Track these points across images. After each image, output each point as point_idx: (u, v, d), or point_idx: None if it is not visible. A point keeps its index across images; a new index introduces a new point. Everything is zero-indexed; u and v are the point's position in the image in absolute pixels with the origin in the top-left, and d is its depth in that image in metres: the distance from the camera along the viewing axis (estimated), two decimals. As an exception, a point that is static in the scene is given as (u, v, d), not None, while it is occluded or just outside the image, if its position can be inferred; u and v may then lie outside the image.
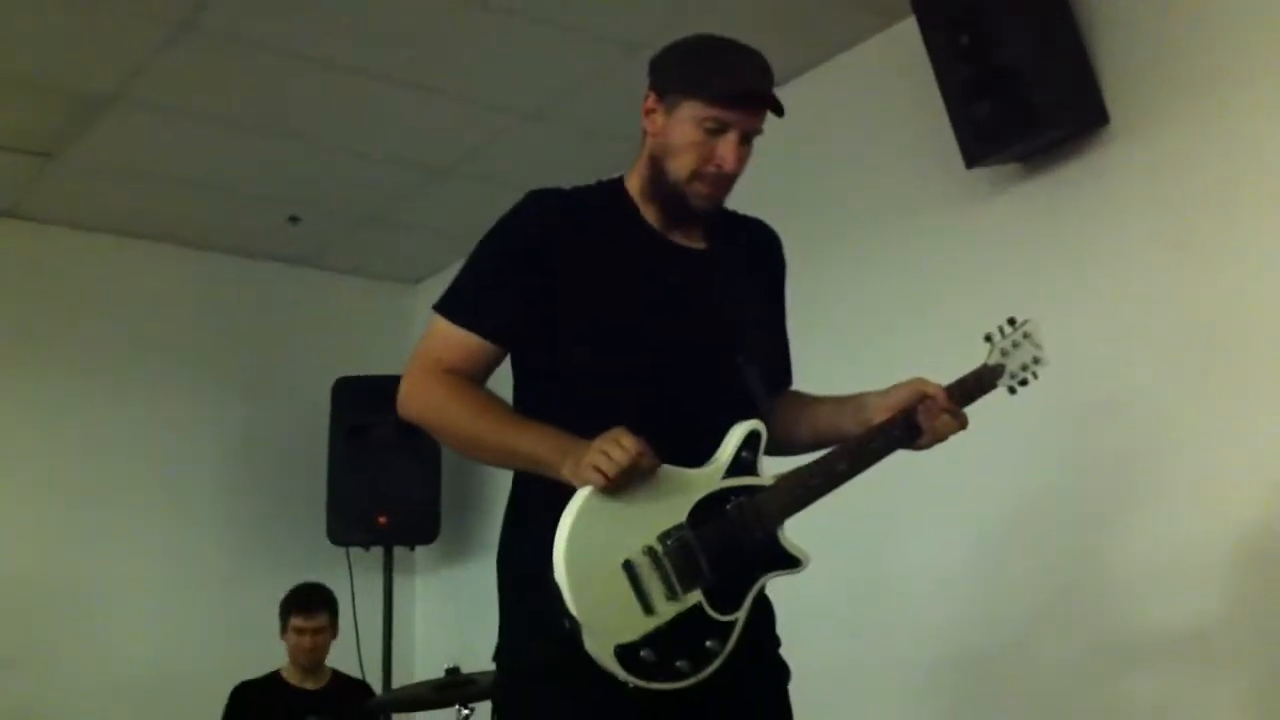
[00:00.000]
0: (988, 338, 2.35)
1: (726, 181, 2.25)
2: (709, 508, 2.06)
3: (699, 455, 2.10)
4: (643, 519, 2.01)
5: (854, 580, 3.86)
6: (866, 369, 4.07)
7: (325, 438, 5.45)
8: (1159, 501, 3.39)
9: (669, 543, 2.01)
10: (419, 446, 5.38)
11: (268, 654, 4.72)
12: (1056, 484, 3.61)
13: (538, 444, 2.07)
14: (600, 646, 1.94)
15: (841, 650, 3.90)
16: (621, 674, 1.95)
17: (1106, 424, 3.54)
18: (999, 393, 2.36)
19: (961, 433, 2.28)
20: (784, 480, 2.12)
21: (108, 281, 5.58)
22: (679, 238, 2.30)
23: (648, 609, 1.98)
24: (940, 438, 2.26)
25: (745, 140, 2.23)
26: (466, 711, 3.58)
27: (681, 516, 2.03)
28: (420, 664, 5.58)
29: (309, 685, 4.68)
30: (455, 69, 4.45)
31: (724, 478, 2.09)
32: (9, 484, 5.16)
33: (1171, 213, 3.47)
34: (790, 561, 2.10)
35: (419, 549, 5.61)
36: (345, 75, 4.45)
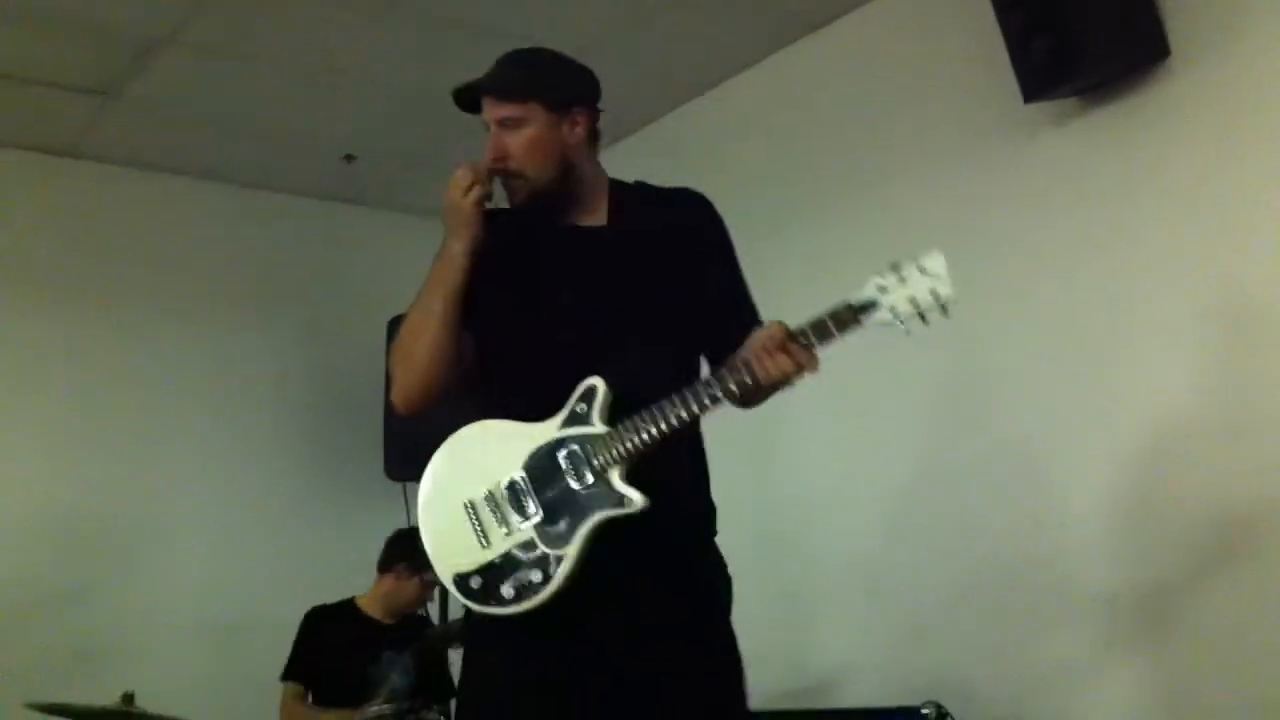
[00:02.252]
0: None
1: (499, 172, 2.45)
2: (546, 456, 2.29)
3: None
4: (486, 466, 2.33)
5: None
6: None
7: (381, 375, 5.49)
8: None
9: (503, 485, 2.30)
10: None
11: (328, 588, 4.79)
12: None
13: (432, 272, 2.48)
14: (442, 573, 2.32)
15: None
16: (460, 598, 2.30)
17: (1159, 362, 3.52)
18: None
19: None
20: (617, 429, 2.25)
21: (164, 221, 5.63)
22: (576, 219, 2.50)
23: (484, 543, 2.29)
24: (771, 379, 2.19)
25: (501, 129, 2.46)
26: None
27: (519, 464, 2.30)
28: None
29: (385, 619, 4.66)
30: (507, 5, 4.43)
31: (559, 429, 2.29)
32: (69, 423, 5.24)
33: (1233, 146, 3.42)
34: (619, 501, 2.23)
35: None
36: (399, 14, 4.46)
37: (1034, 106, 3.74)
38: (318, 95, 5.03)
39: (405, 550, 4.59)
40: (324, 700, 4.57)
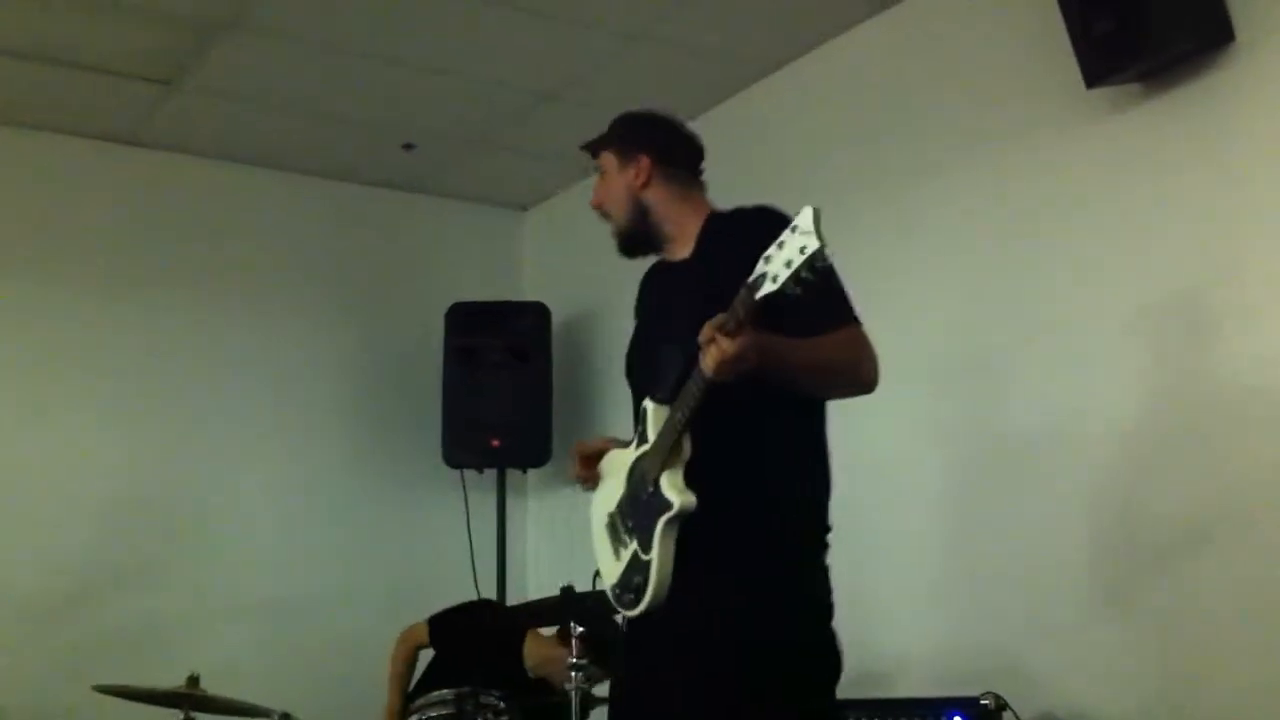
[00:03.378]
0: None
1: (598, 211, 2.83)
2: (631, 477, 2.54)
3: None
4: (610, 490, 2.62)
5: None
6: (986, 294, 4.08)
7: (439, 362, 5.55)
8: None
9: (616, 506, 2.58)
10: (530, 370, 5.47)
11: (388, 572, 4.84)
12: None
13: None
14: (608, 591, 2.58)
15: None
16: (616, 606, 2.56)
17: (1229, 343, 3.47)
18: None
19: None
20: (658, 439, 2.46)
21: (225, 208, 5.69)
22: (673, 255, 2.76)
23: (616, 558, 2.55)
24: (710, 370, 2.26)
25: (598, 178, 2.85)
26: (580, 629, 3.62)
27: (623, 486, 2.56)
28: (533, 583, 5.69)
29: (533, 673, 4.31)
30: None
31: (635, 451, 2.54)
32: (133, 407, 5.32)
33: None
34: (667, 505, 2.39)
35: (531, 471, 5.69)
36: (457, 1, 4.47)
37: (1096, 92, 3.69)
38: (376, 83, 5.06)
39: (592, 635, 3.72)
40: (431, 671, 4.46)
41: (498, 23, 4.61)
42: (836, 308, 2.51)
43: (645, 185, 2.75)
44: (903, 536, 4.20)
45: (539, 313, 5.47)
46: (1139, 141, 3.71)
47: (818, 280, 2.09)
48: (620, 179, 2.77)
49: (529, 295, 5.32)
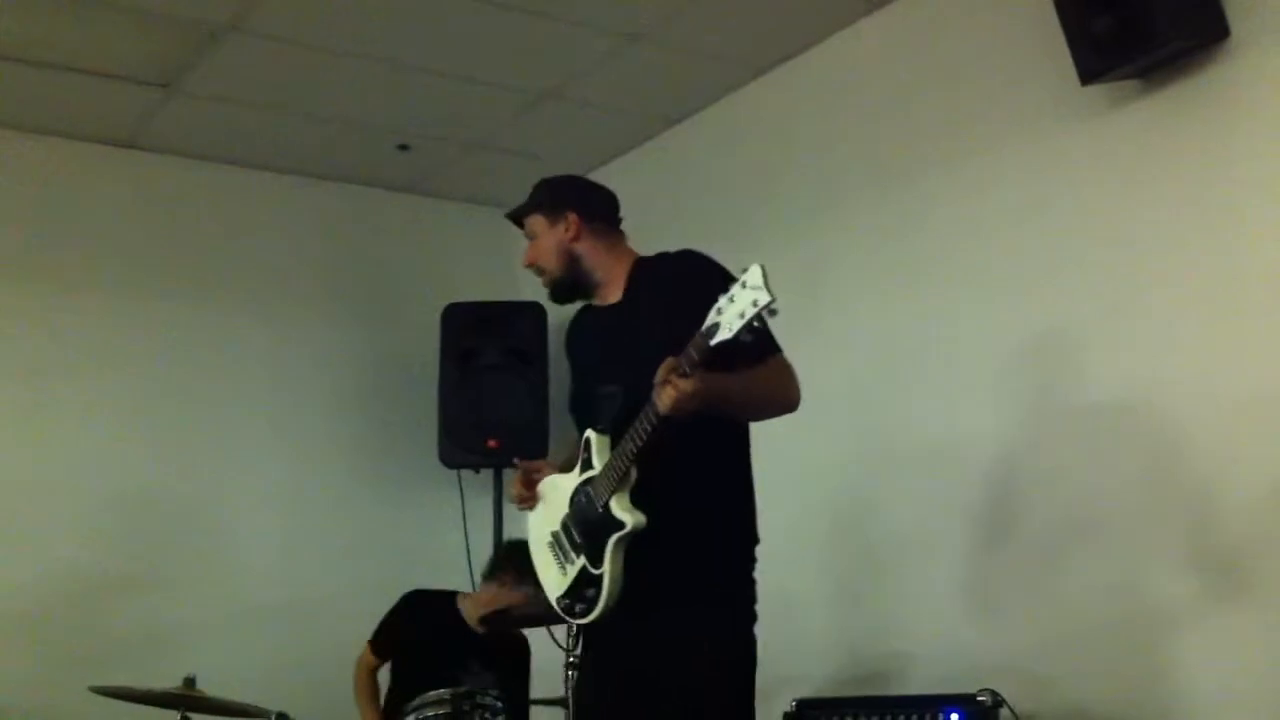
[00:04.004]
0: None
1: (531, 268, 3.10)
2: (576, 498, 2.80)
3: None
4: (553, 510, 2.89)
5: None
6: (981, 292, 4.09)
7: (436, 362, 5.55)
8: None
9: (560, 525, 2.85)
10: (527, 371, 5.47)
11: (384, 573, 4.84)
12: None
13: None
14: (551, 599, 2.87)
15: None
16: (564, 616, 2.84)
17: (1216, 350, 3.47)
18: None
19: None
20: (605, 467, 2.73)
21: (223, 210, 5.70)
22: (604, 300, 3.03)
23: (563, 572, 2.83)
24: (665, 408, 2.51)
25: (528, 241, 3.11)
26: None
27: (565, 508, 2.83)
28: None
29: (478, 628, 4.53)
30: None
31: (579, 475, 2.81)
32: (130, 408, 5.32)
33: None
34: (617, 524, 2.66)
35: (521, 460, 5.68)
36: (453, 2, 4.48)
37: (1091, 88, 3.69)
38: (373, 85, 5.07)
39: (513, 561, 4.40)
40: (398, 678, 4.56)
41: (493, 24, 4.61)
42: (765, 341, 2.67)
43: (576, 238, 3.01)
44: (916, 535, 4.20)
45: (536, 313, 5.47)
46: (1134, 137, 3.72)
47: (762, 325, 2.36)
48: (550, 236, 3.03)
49: (526, 296, 5.31)
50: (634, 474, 2.67)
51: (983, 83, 4.16)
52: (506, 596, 4.36)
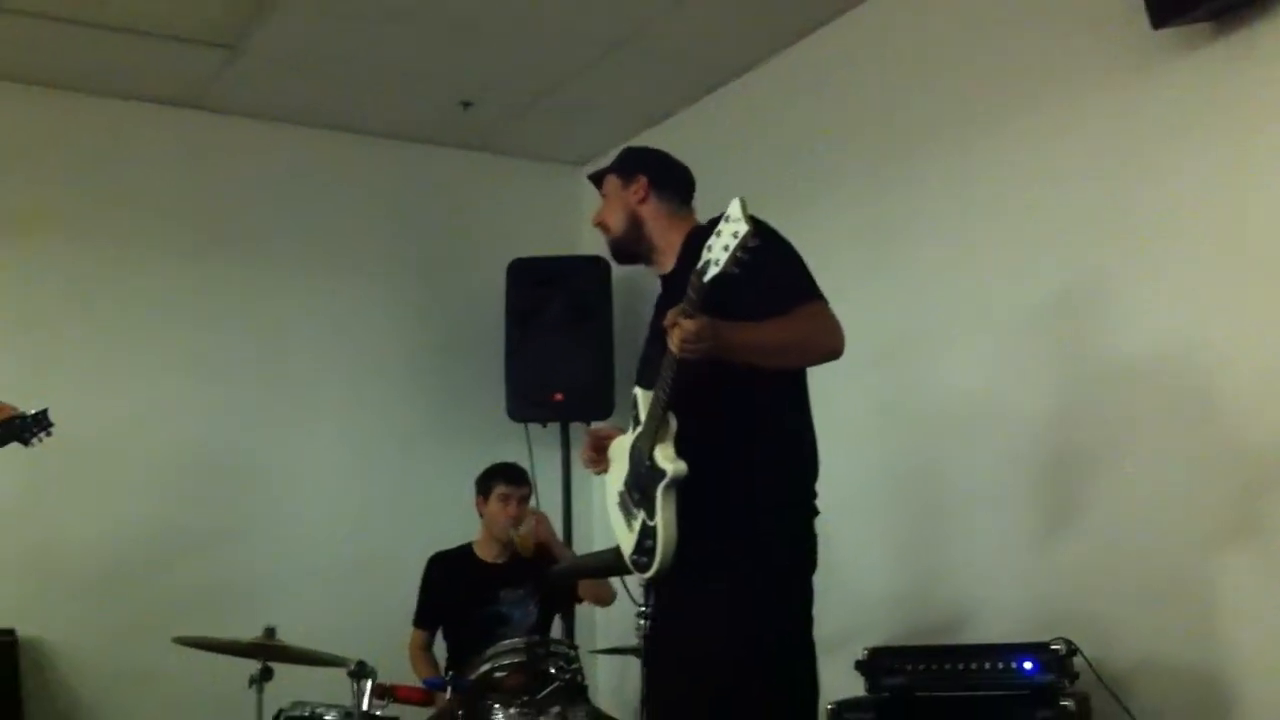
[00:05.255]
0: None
1: (598, 226, 3.21)
2: (630, 455, 2.88)
3: None
4: (617, 474, 2.96)
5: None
6: (1051, 238, 4.05)
7: (501, 318, 5.59)
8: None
9: (623, 485, 2.91)
10: (591, 326, 5.50)
11: (454, 530, 4.89)
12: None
13: None
14: (627, 560, 2.86)
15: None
16: (635, 572, 2.85)
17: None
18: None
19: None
20: (646, 420, 2.79)
21: (288, 170, 5.75)
22: (662, 268, 3.12)
23: (630, 529, 2.85)
24: (675, 348, 2.59)
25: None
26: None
27: (626, 466, 2.90)
28: (599, 533, 5.73)
29: (499, 559, 4.73)
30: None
31: (633, 433, 2.88)
32: (193, 367, 5.39)
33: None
34: (660, 475, 2.70)
35: (594, 424, 5.73)
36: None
37: (1164, 32, 3.63)
38: (435, 42, 5.07)
39: (486, 478, 4.76)
40: (453, 644, 4.68)
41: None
42: (794, 288, 2.79)
43: (642, 201, 3.11)
44: (983, 485, 4.20)
45: (599, 267, 5.48)
46: (1208, 82, 3.65)
47: (760, 259, 2.42)
48: (619, 197, 3.14)
49: (589, 250, 5.33)
50: (672, 423, 2.74)
51: (1053, 28, 4.10)
52: (489, 513, 4.71)
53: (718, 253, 2.44)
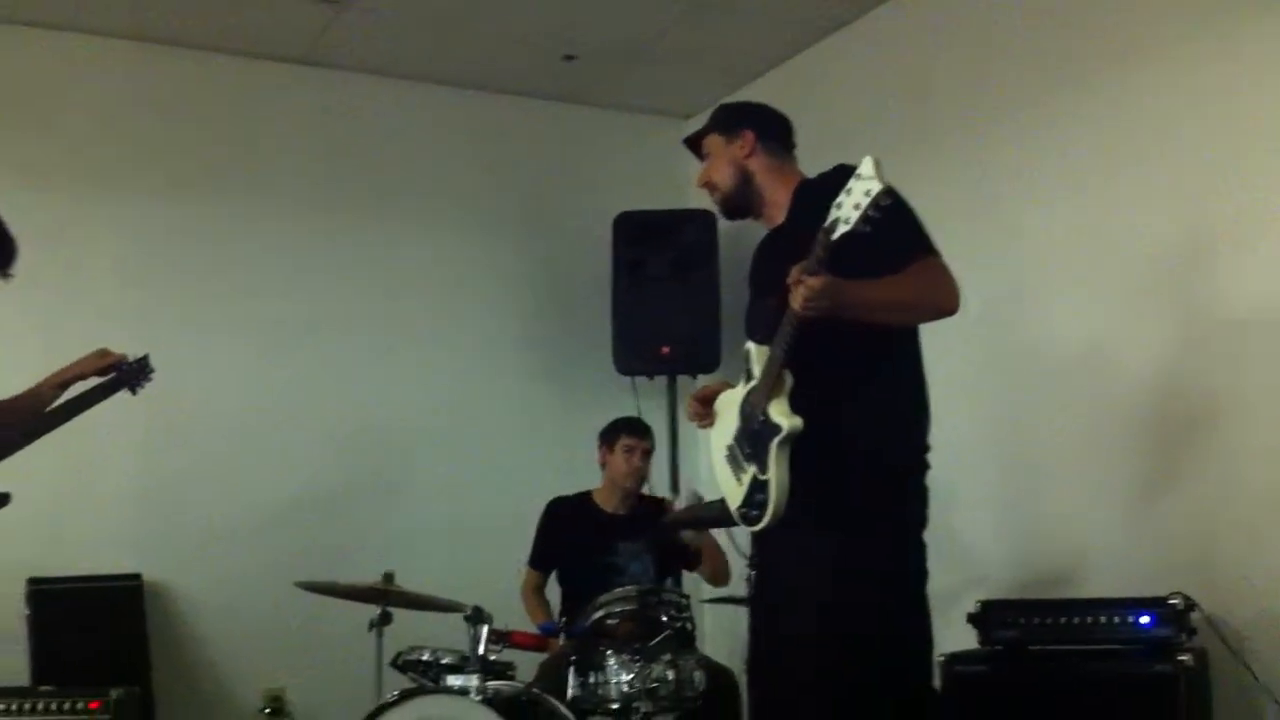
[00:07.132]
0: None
1: (704, 186, 3.19)
2: (742, 410, 2.87)
3: None
4: (725, 427, 2.96)
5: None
6: (1161, 193, 3.98)
7: (608, 271, 5.62)
8: None
9: (732, 439, 2.90)
10: (697, 278, 5.51)
11: (565, 482, 4.95)
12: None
13: None
14: (734, 512, 2.87)
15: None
16: (742, 524, 2.85)
17: None
18: None
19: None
20: (761, 374, 2.79)
21: (395, 124, 5.81)
22: (772, 221, 3.10)
23: (738, 482, 2.85)
24: (798, 306, 2.59)
25: (703, 161, 3.20)
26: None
27: (736, 421, 2.89)
28: (706, 486, 5.76)
29: (619, 510, 4.80)
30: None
31: (744, 387, 2.87)
32: (305, 324, 5.49)
33: None
34: (775, 429, 2.70)
35: (701, 377, 5.74)
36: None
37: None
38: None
39: (611, 431, 4.85)
40: (566, 589, 4.75)
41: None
42: (910, 244, 2.79)
43: (749, 155, 3.09)
44: (1094, 439, 4.15)
45: (705, 220, 5.48)
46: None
47: (884, 218, 2.43)
48: (725, 154, 3.11)
49: (694, 204, 5.32)
50: (789, 379, 2.74)
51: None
52: (611, 463, 4.82)
53: (848, 211, 2.44)
